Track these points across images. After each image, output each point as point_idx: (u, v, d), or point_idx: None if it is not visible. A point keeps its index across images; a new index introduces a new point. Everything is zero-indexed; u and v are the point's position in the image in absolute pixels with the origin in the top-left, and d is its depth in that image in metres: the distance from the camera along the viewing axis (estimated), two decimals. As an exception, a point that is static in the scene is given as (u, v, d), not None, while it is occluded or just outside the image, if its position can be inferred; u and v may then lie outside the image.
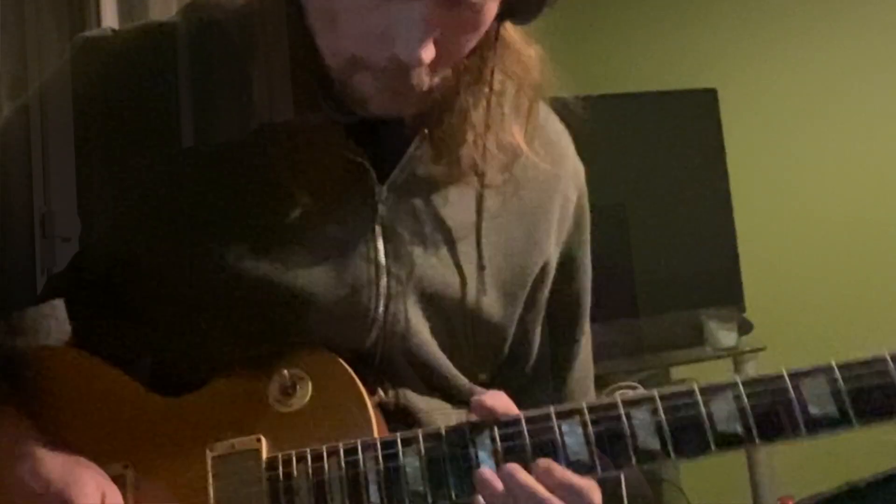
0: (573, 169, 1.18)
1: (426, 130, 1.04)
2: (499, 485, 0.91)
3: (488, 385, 1.11)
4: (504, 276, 1.08)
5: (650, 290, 2.94)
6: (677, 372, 3.01)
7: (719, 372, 2.88)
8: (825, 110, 3.42)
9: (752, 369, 2.90)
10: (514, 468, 0.91)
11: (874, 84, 3.41)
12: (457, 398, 1.08)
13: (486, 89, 1.04)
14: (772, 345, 2.93)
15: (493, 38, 1.02)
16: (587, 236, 1.20)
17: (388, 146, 1.04)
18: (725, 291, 3.08)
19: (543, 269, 1.13)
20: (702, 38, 3.47)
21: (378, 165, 1.03)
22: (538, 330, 1.16)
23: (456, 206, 1.07)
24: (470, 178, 1.07)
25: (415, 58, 0.92)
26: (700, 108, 3.17)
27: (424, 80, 0.96)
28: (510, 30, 1.05)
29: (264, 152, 1.00)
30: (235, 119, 1.01)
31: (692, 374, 2.83)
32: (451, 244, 1.06)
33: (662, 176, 3.09)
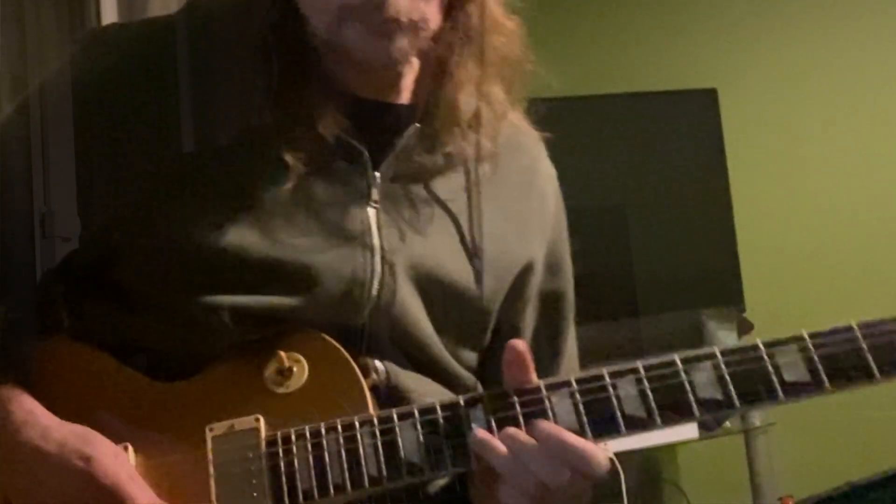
0: (546, 171, 1.23)
1: (419, 121, 1.08)
2: (498, 444, 0.93)
3: (479, 373, 1.14)
4: (491, 263, 1.11)
5: (650, 290, 2.95)
6: (677, 372, 3.01)
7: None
8: (825, 110, 3.42)
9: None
10: (515, 431, 0.94)
11: (875, 84, 3.41)
12: (447, 380, 1.10)
13: (475, 61, 1.08)
14: (772, 345, 2.92)
15: (477, 6, 1.07)
16: (566, 234, 1.24)
17: (382, 134, 1.08)
18: (725, 291, 3.08)
19: (529, 265, 1.16)
20: (702, 38, 3.47)
21: (374, 151, 1.07)
22: (528, 323, 1.19)
23: (448, 193, 1.11)
24: (461, 168, 1.11)
25: None
26: (700, 108, 3.17)
27: (402, 6, 0.99)
28: (490, 3, 1.09)
29: (264, 134, 1.03)
30: (235, 109, 1.04)
31: (692, 374, 2.83)
32: (442, 229, 1.10)
33: (662, 176, 3.09)
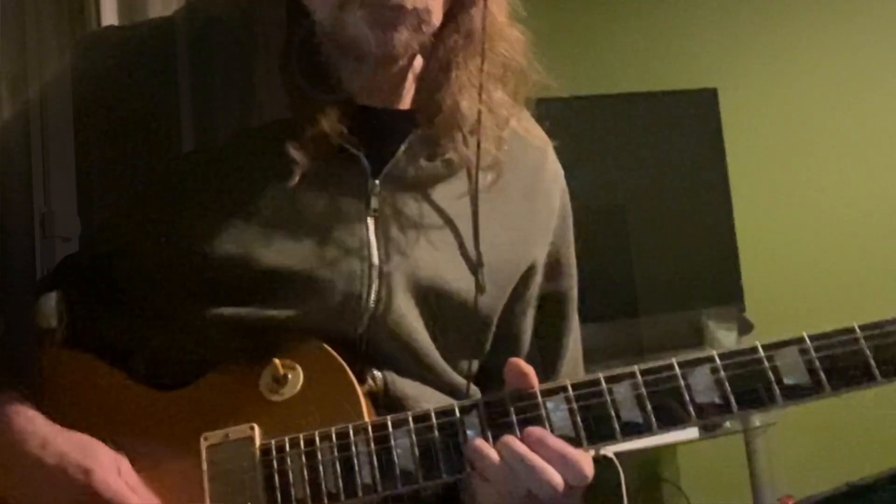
0: (553, 170, 1.22)
1: (419, 128, 1.07)
2: (492, 453, 0.93)
3: (476, 378, 1.14)
4: (491, 270, 1.10)
5: (650, 290, 2.94)
6: (677, 372, 3.01)
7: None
8: (825, 110, 3.42)
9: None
10: (510, 439, 0.94)
11: (875, 84, 3.41)
12: (445, 390, 1.09)
13: (476, 66, 1.07)
14: (772, 345, 2.92)
15: (480, 10, 1.06)
16: (571, 235, 1.23)
17: (383, 141, 1.07)
18: (725, 291, 3.08)
19: (531, 268, 1.16)
20: (702, 38, 3.47)
21: (373, 159, 1.06)
22: (526, 328, 1.19)
23: (448, 201, 1.10)
24: (462, 175, 1.10)
25: None
26: (700, 108, 3.17)
27: None
28: (494, 10, 1.08)
29: (262, 140, 1.03)
30: (236, 111, 1.04)
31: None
32: (442, 238, 1.09)
33: (662, 176, 3.09)
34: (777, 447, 2.99)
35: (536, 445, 0.93)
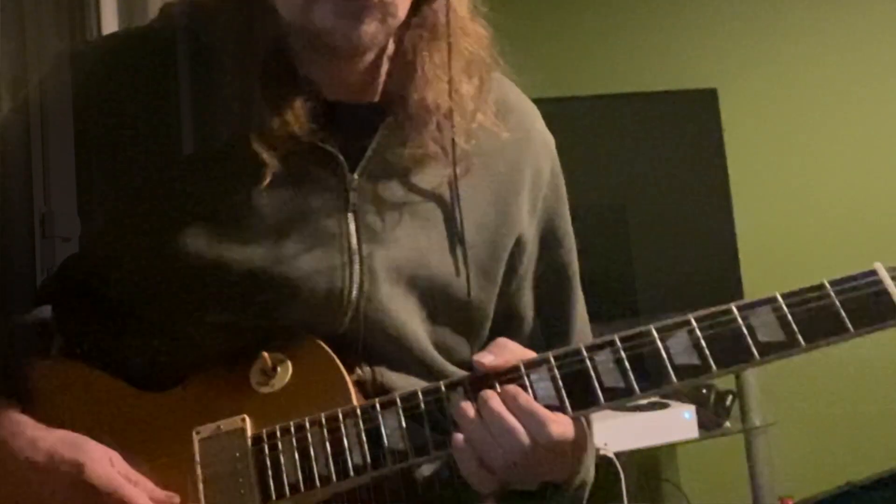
0: (542, 140, 1.21)
1: (391, 118, 1.08)
2: (472, 412, 0.95)
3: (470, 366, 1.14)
4: (478, 253, 1.11)
5: (650, 290, 2.95)
6: (677, 372, 3.01)
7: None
8: (825, 110, 3.42)
9: (752, 369, 2.90)
10: (490, 394, 0.96)
11: (875, 83, 3.41)
12: (435, 377, 1.09)
13: (442, 57, 1.08)
14: (772, 345, 2.92)
15: (443, 4, 1.07)
16: (565, 204, 1.22)
17: (356, 136, 1.07)
18: (725, 291, 3.08)
19: (519, 243, 1.15)
20: (702, 38, 3.47)
21: (348, 154, 1.06)
22: (527, 303, 1.18)
23: (427, 187, 1.10)
24: (438, 160, 1.10)
25: None
26: (700, 108, 3.17)
27: None
28: (456, 5, 1.09)
29: (236, 145, 1.03)
30: (210, 118, 1.04)
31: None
32: (424, 226, 1.09)
33: (662, 176, 3.09)
34: (777, 447, 2.99)
35: (510, 401, 0.95)
